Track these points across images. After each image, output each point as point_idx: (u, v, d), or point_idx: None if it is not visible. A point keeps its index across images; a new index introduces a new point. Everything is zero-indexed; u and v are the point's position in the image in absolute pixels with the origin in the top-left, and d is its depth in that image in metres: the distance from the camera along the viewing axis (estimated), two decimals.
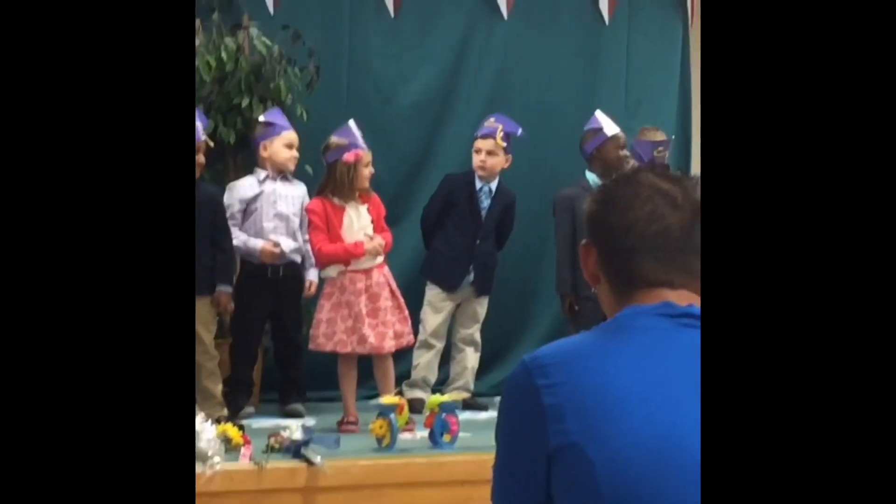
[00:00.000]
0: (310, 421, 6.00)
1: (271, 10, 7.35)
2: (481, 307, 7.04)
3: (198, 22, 6.69)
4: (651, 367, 1.92)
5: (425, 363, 6.88)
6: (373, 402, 5.79)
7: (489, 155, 6.84)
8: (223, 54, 6.73)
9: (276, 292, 6.51)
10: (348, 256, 6.17)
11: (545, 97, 7.92)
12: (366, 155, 6.27)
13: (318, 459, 5.04)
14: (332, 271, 6.24)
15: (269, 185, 6.53)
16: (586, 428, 1.87)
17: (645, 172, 2.10)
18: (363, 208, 6.32)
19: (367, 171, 6.29)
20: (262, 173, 6.55)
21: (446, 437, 5.49)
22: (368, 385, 6.57)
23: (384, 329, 6.18)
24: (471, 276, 6.92)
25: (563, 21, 8.02)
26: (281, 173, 6.56)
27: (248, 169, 6.73)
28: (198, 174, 5.96)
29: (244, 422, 5.75)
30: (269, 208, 6.52)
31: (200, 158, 5.96)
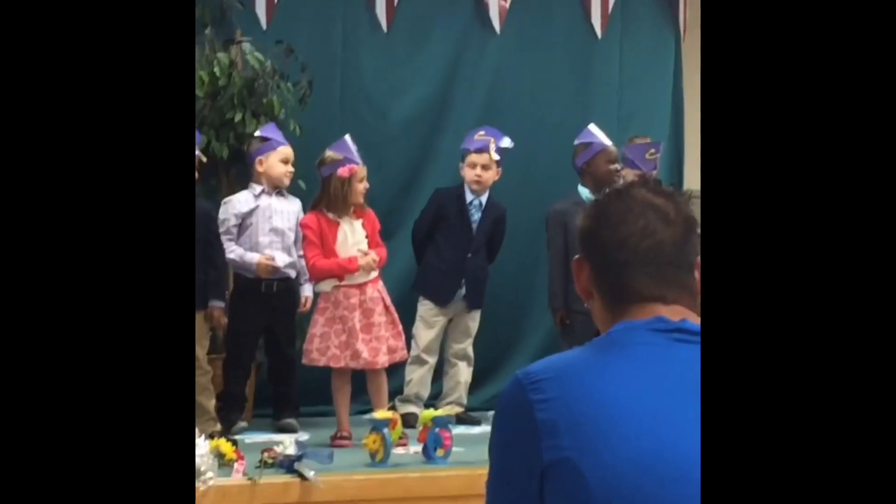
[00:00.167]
0: (303, 436, 6.00)
1: (264, 25, 7.36)
2: (473, 321, 7.04)
3: None
4: (645, 383, 1.92)
5: (418, 379, 6.88)
6: (366, 416, 5.79)
7: (484, 169, 6.85)
8: (216, 69, 6.74)
9: (270, 307, 6.51)
10: (342, 272, 6.17)
11: (538, 112, 7.93)
12: (361, 170, 6.27)
13: (311, 474, 5.03)
14: (326, 286, 6.24)
15: (265, 200, 6.54)
16: (580, 443, 1.87)
17: (637, 188, 2.10)
18: (358, 223, 6.32)
19: (362, 186, 6.29)
20: (257, 188, 6.55)
21: (440, 452, 5.49)
22: (362, 400, 6.57)
23: (378, 344, 6.18)
24: (463, 290, 6.92)
25: (556, 36, 8.04)
26: (276, 188, 6.57)
27: (241, 184, 6.74)
28: None
29: (237, 437, 5.75)
30: (264, 223, 6.53)
31: None
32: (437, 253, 6.95)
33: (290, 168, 6.57)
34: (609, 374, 1.93)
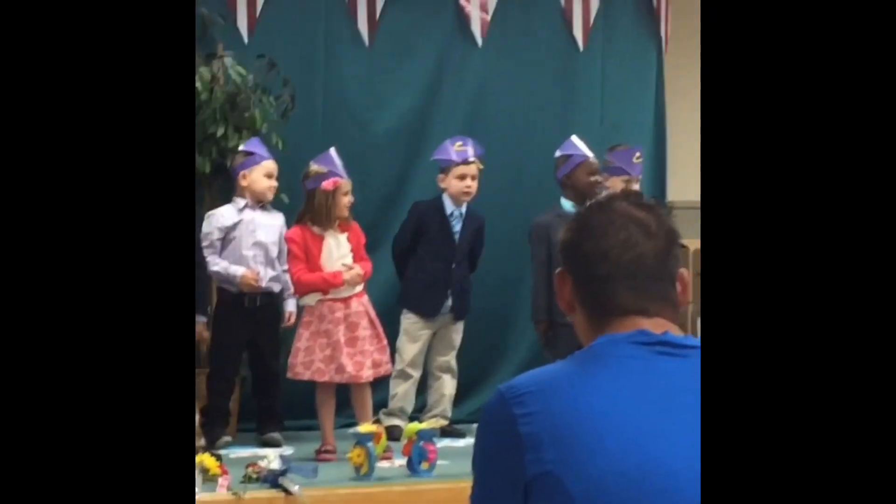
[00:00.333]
0: (287, 450, 5.99)
1: (246, 39, 7.36)
2: (457, 334, 7.04)
3: None
4: (628, 396, 1.92)
5: (403, 393, 6.87)
6: (350, 430, 5.78)
7: (473, 179, 6.87)
8: (198, 83, 6.73)
9: (254, 321, 6.50)
10: (327, 286, 6.17)
11: (520, 124, 7.94)
12: (345, 183, 6.28)
13: (295, 489, 5.02)
14: (310, 300, 6.24)
15: (248, 214, 6.53)
16: (563, 456, 1.87)
17: (619, 201, 2.10)
18: (343, 237, 6.32)
19: (347, 200, 6.29)
20: (240, 202, 6.55)
21: (424, 465, 5.49)
22: (346, 413, 6.56)
23: (362, 358, 6.18)
24: (449, 302, 6.92)
25: (538, 48, 8.05)
26: (259, 202, 6.57)
27: (223, 198, 6.73)
28: None
29: (221, 451, 5.73)
30: (248, 237, 6.52)
31: None
32: (421, 266, 6.94)
33: (274, 182, 6.57)
34: (592, 388, 1.93)
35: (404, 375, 6.86)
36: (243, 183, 6.53)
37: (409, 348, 6.88)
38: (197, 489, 4.82)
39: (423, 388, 7.04)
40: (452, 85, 7.88)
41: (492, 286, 7.52)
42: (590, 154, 6.93)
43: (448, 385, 7.02)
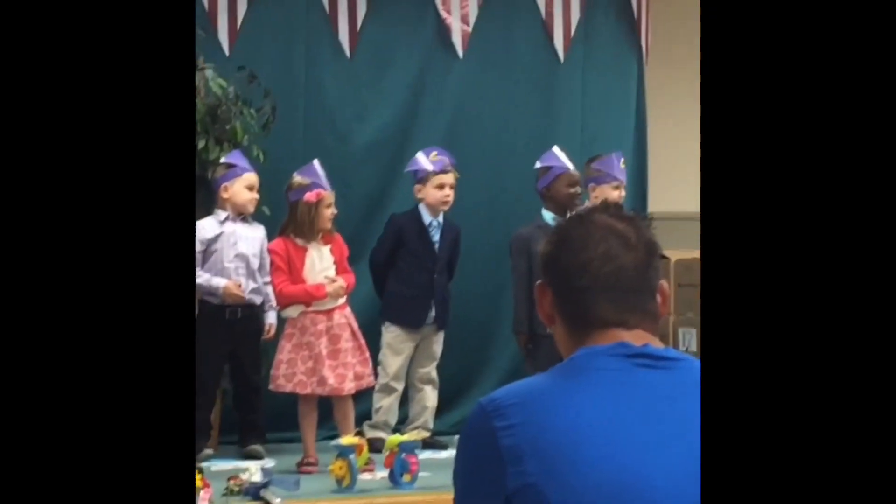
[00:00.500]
0: (269, 462, 5.98)
1: (227, 51, 7.35)
2: (438, 345, 7.03)
3: None
4: (608, 408, 1.92)
5: (387, 406, 6.85)
6: (332, 442, 5.77)
7: (451, 188, 6.87)
8: None
9: (234, 333, 6.49)
10: (309, 298, 6.17)
11: (501, 135, 7.94)
12: (328, 195, 6.28)
13: (277, 501, 5.02)
14: (293, 311, 6.23)
15: (230, 227, 6.52)
16: (545, 469, 1.87)
17: (599, 213, 2.11)
18: (326, 249, 6.32)
19: (330, 212, 6.29)
20: (222, 214, 6.53)
21: (406, 477, 5.49)
22: (328, 426, 6.55)
23: (344, 371, 6.17)
24: (433, 312, 6.92)
25: (519, 59, 8.06)
26: (241, 215, 6.56)
27: (204, 210, 6.72)
28: None
29: (203, 464, 5.71)
30: (229, 249, 6.51)
31: None
32: (402, 278, 6.93)
33: (255, 195, 6.56)
34: (573, 400, 1.93)
35: (388, 389, 6.84)
36: (224, 195, 6.52)
37: (393, 362, 6.87)
38: None
39: (404, 399, 7.03)
40: (433, 96, 7.89)
41: (473, 298, 7.52)
42: (570, 166, 6.94)
43: (430, 397, 7.01)
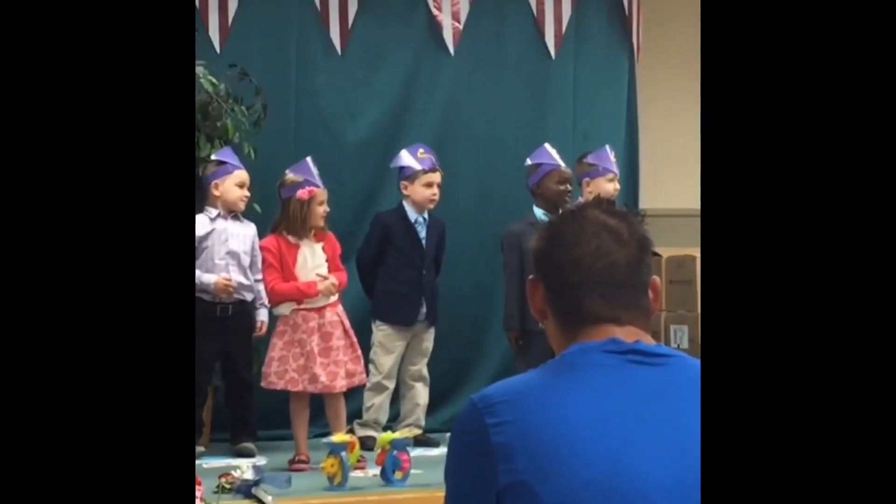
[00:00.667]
0: (261, 460, 5.97)
1: (218, 48, 7.34)
2: (429, 342, 7.02)
3: None
4: (600, 404, 1.92)
5: (378, 405, 6.84)
6: (324, 440, 5.76)
7: (438, 187, 6.87)
8: None
9: (226, 331, 6.47)
10: (301, 296, 6.17)
11: (493, 132, 7.94)
12: (321, 192, 6.28)
13: (269, 499, 5.01)
14: (284, 309, 6.23)
15: (221, 224, 6.51)
16: (536, 466, 1.87)
17: (591, 209, 2.10)
18: (318, 246, 6.31)
19: (322, 209, 6.29)
20: (213, 211, 6.52)
21: (398, 475, 5.48)
22: (320, 423, 6.54)
23: (336, 368, 6.17)
24: (424, 309, 6.91)
25: (510, 56, 8.06)
26: (232, 212, 6.55)
27: (195, 207, 6.71)
28: None
29: (195, 462, 5.71)
30: (220, 246, 6.50)
31: None
32: (391, 276, 6.92)
33: (246, 192, 6.55)
34: (564, 397, 1.93)
35: (380, 388, 6.83)
36: (215, 192, 6.51)
37: (385, 360, 6.86)
38: None
39: (395, 396, 7.03)
40: (425, 93, 7.88)
41: (464, 294, 7.52)
42: (561, 163, 6.95)
43: (421, 394, 7.00)
